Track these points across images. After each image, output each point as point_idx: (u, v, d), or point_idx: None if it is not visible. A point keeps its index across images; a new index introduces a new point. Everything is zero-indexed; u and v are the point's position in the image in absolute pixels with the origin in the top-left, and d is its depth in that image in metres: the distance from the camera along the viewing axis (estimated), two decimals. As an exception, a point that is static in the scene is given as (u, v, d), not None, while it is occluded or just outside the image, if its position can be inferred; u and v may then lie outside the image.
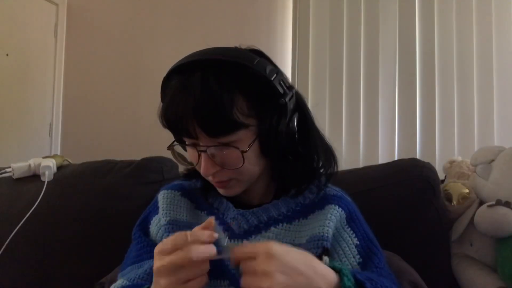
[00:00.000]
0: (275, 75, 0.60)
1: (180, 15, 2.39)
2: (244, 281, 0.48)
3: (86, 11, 2.54)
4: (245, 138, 0.60)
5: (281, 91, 0.60)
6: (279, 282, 0.45)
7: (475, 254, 0.99)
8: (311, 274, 0.48)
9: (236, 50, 0.63)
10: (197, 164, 0.63)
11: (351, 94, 2.06)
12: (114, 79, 2.46)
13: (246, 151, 0.59)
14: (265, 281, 0.45)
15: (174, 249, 0.49)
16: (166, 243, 0.50)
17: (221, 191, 0.66)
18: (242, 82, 0.59)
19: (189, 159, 0.67)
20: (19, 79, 2.28)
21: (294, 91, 0.64)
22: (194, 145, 0.61)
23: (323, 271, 0.50)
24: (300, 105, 0.66)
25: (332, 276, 0.50)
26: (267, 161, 0.65)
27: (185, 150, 0.67)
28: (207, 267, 0.50)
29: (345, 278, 0.50)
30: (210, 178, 0.64)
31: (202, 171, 0.61)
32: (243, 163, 0.60)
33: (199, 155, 0.61)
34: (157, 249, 0.51)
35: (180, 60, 0.62)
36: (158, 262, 0.49)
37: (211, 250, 0.50)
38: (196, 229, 0.53)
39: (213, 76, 0.58)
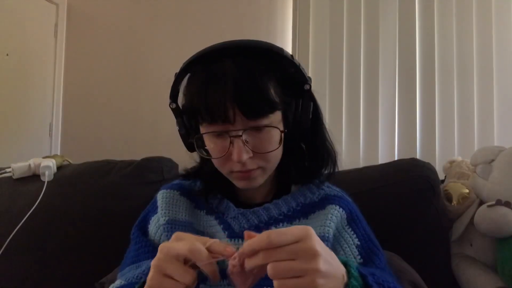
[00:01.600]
0: (298, 62, 0.63)
1: (180, 15, 2.39)
2: (279, 266, 0.42)
3: (86, 11, 2.54)
4: (275, 122, 0.61)
5: (306, 76, 0.63)
6: (325, 260, 0.43)
7: (475, 254, 0.99)
8: (336, 261, 0.48)
9: (258, 40, 0.63)
10: (223, 155, 0.61)
11: (351, 95, 2.06)
12: (114, 79, 2.45)
13: (284, 131, 0.61)
14: (315, 261, 0.42)
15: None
16: (188, 233, 0.49)
17: (242, 183, 0.65)
18: (273, 67, 0.61)
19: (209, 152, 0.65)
20: (19, 79, 2.28)
21: (311, 80, 0.66)
22: (226, 132, 0.59)
23: (338, 260, 0.49)
24: (313, 97, 0.68)
25: (342, 266, 0.50)
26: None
27: (199, 147, 0.66)
28: (190, 279, 0.45)
29: (352, 270, 0.50)
30: (237, 168, 0.61)
31: (235, 157, 0.59)
32: (280, 144, 0.61)
33: (230, 143, 0.59)
34: (176, 233, 0.50)
35: (204, 49, 0.61)
36: (168, 243, 0.48)
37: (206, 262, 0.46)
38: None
39: (246, 60, 0.59)
